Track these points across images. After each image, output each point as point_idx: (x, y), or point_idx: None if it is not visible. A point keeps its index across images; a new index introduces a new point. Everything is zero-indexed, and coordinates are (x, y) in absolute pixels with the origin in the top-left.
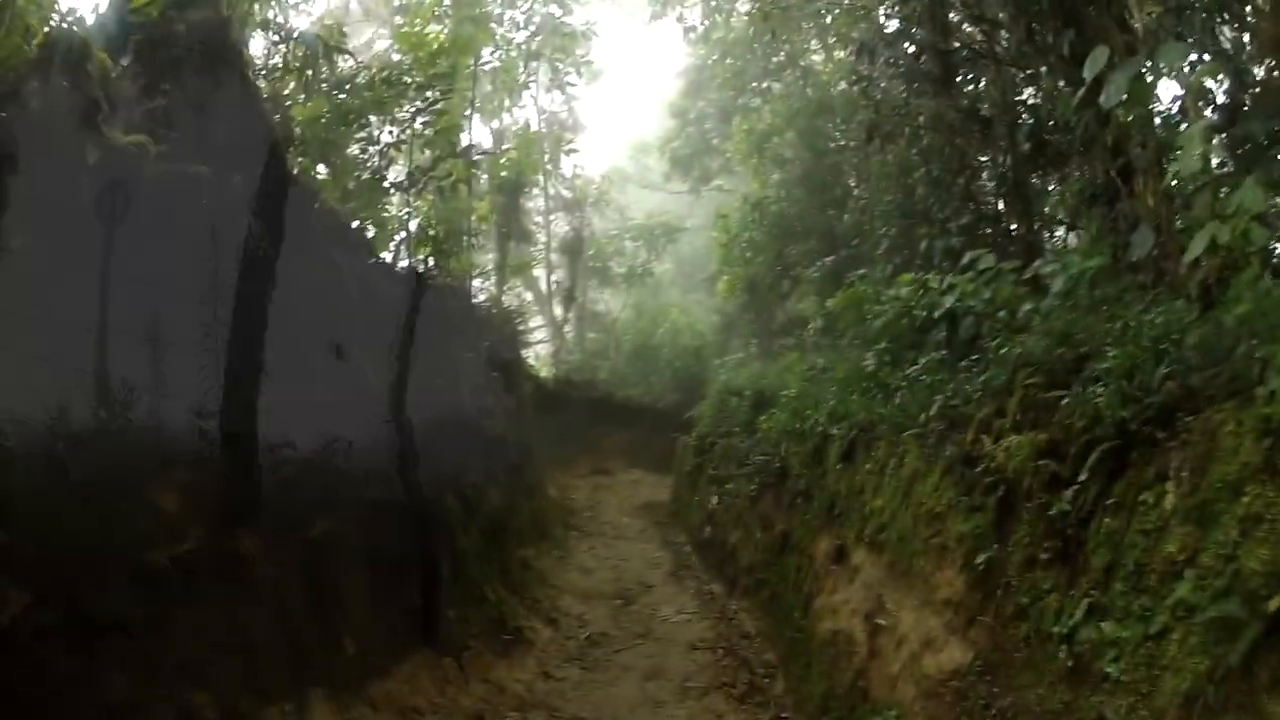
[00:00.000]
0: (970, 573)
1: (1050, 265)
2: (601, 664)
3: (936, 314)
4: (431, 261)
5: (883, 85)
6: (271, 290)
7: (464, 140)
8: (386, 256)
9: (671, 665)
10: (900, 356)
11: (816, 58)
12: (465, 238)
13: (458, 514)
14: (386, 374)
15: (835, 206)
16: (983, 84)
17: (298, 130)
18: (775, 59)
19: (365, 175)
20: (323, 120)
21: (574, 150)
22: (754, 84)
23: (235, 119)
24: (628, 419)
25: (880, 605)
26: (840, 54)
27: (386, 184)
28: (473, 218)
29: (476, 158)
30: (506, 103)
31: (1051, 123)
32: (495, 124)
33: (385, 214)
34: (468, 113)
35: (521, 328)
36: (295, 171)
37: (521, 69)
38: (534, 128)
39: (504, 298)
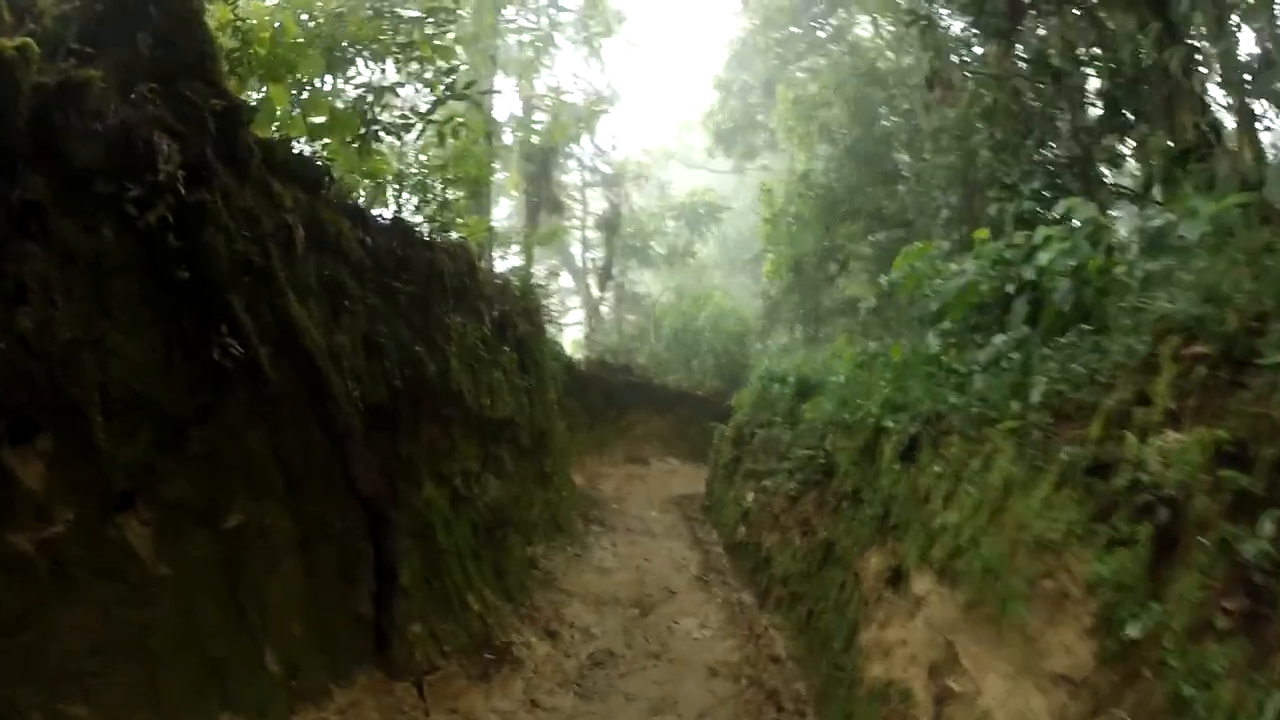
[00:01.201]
0: (1106, 639)
1: (1159, 217)
2: (602, 690)
3: (1016, 284)
4: (421, 216)
5: (943, 27)
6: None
7: (489, 103)
8: (386, 212)
9: (686, 694)
10: (967, 339)
11: (863, 31)
12: (479, 199)
13: (440, 506)
14: (339, 333)
15: (887, 181)
16: (1052, 26)
17: (251, 50)
18: (821, 32)
19: (343, 109)
20: (290, 43)
21: (604, 110)
22: (800, 57)
23: (163, 29)
24: (665, 405)
25: (952, 659)
26: (888, 25)
27: (369, 125)
28: (493, 178)
29: (504, 125)
30: (535, 60)
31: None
32: (523, 86)
33: (381, 161)
34: (493, 76)
35: (546, 302)
36: (233, 95)
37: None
38: (566, 93)
39: (531, 269)
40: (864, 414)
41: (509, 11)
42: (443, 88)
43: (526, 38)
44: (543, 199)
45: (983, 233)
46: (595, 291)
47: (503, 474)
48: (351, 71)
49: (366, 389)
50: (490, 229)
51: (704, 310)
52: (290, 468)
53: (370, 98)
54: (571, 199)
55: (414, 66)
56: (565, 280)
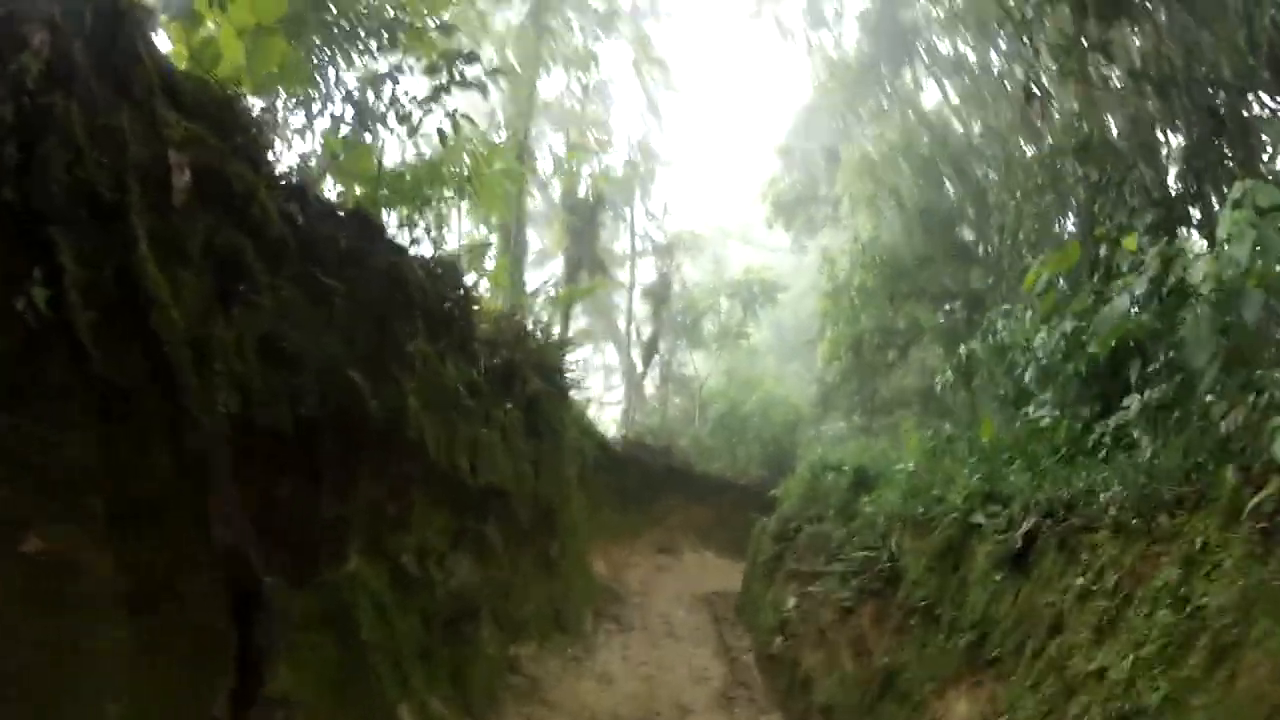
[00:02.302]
0: None
1: None
2: None
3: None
4: (393, 215)
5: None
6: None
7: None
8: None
9: None
10: (1077, 411)
11: (932, 96)
12: (514, 260)
13: (373, 587)
14: (220, 324)
15: (956, 257)
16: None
17: None
18: (885, 99)
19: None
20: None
21: (657, 169)
22: (866, 122)
23: None
24: (705, 493)
25: None
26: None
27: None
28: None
29: (547, 175)
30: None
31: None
32: (571, 133)
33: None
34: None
35: (572, 361)
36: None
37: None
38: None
39: (563, 329)
40: (944, 507)
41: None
42: (445, 75)
43: (574, 84)
44: (585, 258)
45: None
46: (639, 367)
47: (485, 555)
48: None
49: (256, 408)
50: (518, 280)
51: (754, 395)
52: (121, 492)
53: (366, 87)
54: (617, 268)
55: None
56: (610, 356)
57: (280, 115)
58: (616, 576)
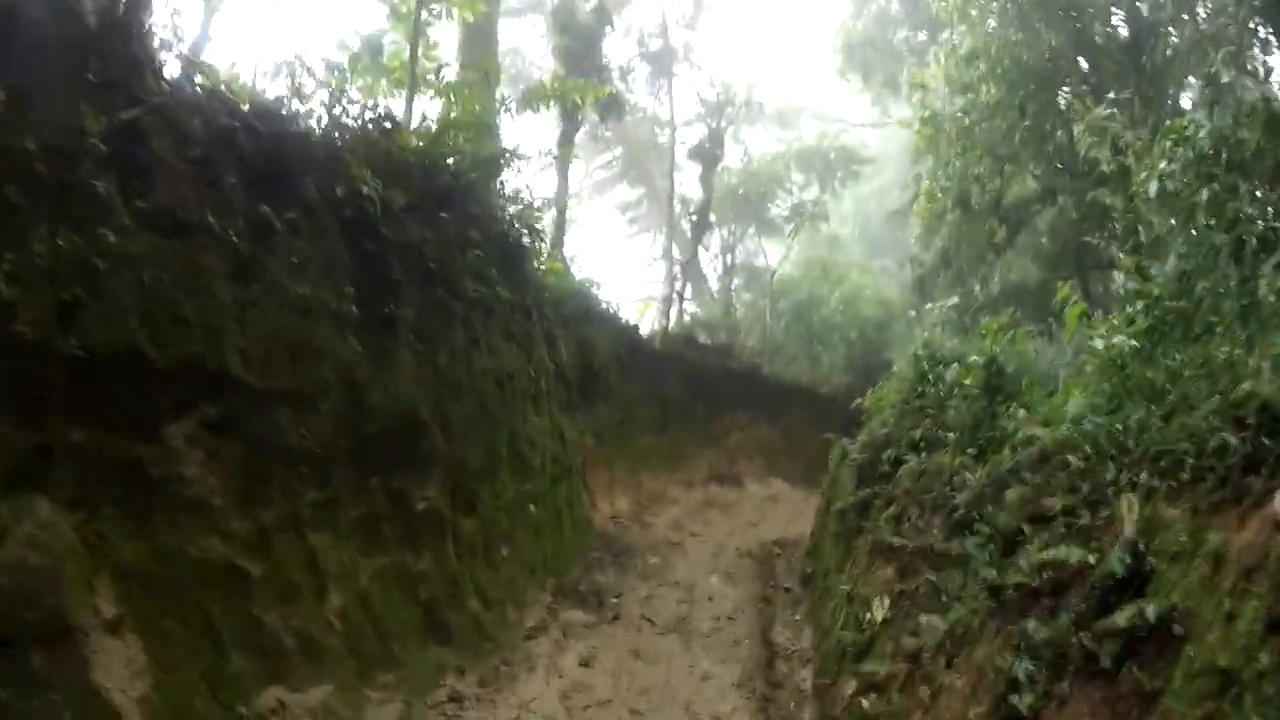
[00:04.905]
0: None
1: None
2: None
3: None
4: None
5: None
6: None
7: None
8: None
9: None
10: None
11: None
12: None
13: None
14: None
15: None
16: None
17: None
18: None
19: None
20: None
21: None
22: None
23: None
24: (777, 404)
25: None
26: None
27: None
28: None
29: None
30: None
31: None
32: None
33: None
34: None
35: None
36: None
37: None
38: None
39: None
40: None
41: None
42: None
43: None
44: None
45: None
46: (688, 247)
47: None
48: None
49: None
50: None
51: (836, 289)
52: None
53: None
54: (658, 130)
55: None
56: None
57: None
58: (639, 517)
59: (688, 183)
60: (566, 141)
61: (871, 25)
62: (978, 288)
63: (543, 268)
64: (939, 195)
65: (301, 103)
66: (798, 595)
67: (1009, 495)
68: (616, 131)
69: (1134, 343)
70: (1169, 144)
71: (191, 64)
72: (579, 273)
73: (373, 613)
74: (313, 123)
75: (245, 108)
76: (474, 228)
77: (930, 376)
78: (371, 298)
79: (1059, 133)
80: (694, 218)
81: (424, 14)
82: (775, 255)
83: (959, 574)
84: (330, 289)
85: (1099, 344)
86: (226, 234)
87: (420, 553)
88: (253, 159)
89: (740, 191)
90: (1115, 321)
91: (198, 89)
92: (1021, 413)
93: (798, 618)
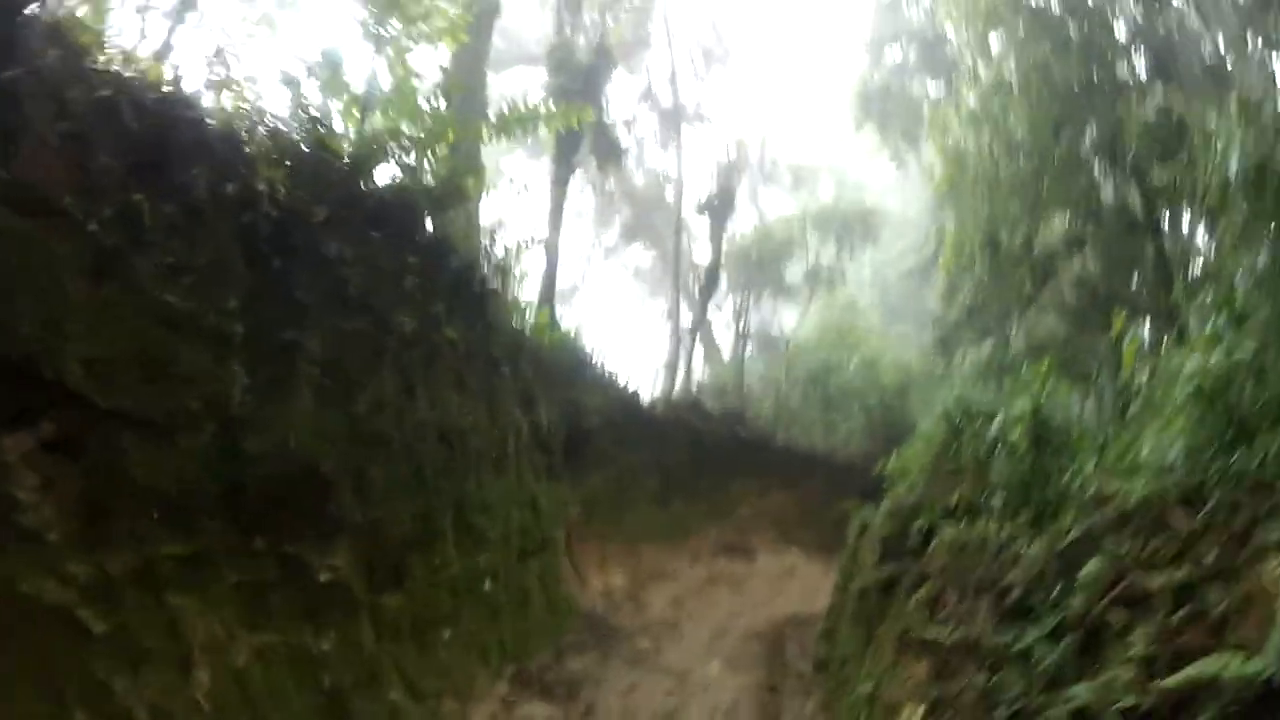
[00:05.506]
0: None
1: None
2: None
3: None
4: None
5: None
6: None
7: None
8: None
9: None
10: None
11: None
12: None
13: None
14: None
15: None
16: None
17: None
18: None
19: None
20: None
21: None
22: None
23: None
24: (789, 473)
25: None
26: None
27: None
28: None
29: None
30: None
31: None
32: None
33: None
34: None
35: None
36: None
37: None
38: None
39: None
40: None
41: None
42: None
43: None
44: (580, 136)
45: None
46: (696, 309)
47: None
48: None
49: None
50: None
51: (854, 356)
52: None
53: None
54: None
55: None
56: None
57: None
58: (635, 596)
59: (698, 244)
60: (560, 182)
61: (889, 76)
62: (1008, 340)
63: (527, 319)
64: (965, 244)
65: (217, 93)
66: (810, 681)
67: (1086, 570)
68: (624, 190)
69: (1239, 356)
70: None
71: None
72: (579, 333)
73: (252, 697)
74: (220, 113)
75: (136, 82)
76: (416, 254)
77: (966, 434)
78: (267, 319)
79: (1093, 167)
80: (702, 278)
81: (403, 41)
82: (790, 321)
83: (1018, 677)
84: (209, 301)
85: (1189, 367)
86: (88, 221)
87: (323, 631)
88: (135, 139)
89: (753, 255)
90: (1204, 337)
91: (88, 61)
92: (1090, 464)
93: (809, 710)
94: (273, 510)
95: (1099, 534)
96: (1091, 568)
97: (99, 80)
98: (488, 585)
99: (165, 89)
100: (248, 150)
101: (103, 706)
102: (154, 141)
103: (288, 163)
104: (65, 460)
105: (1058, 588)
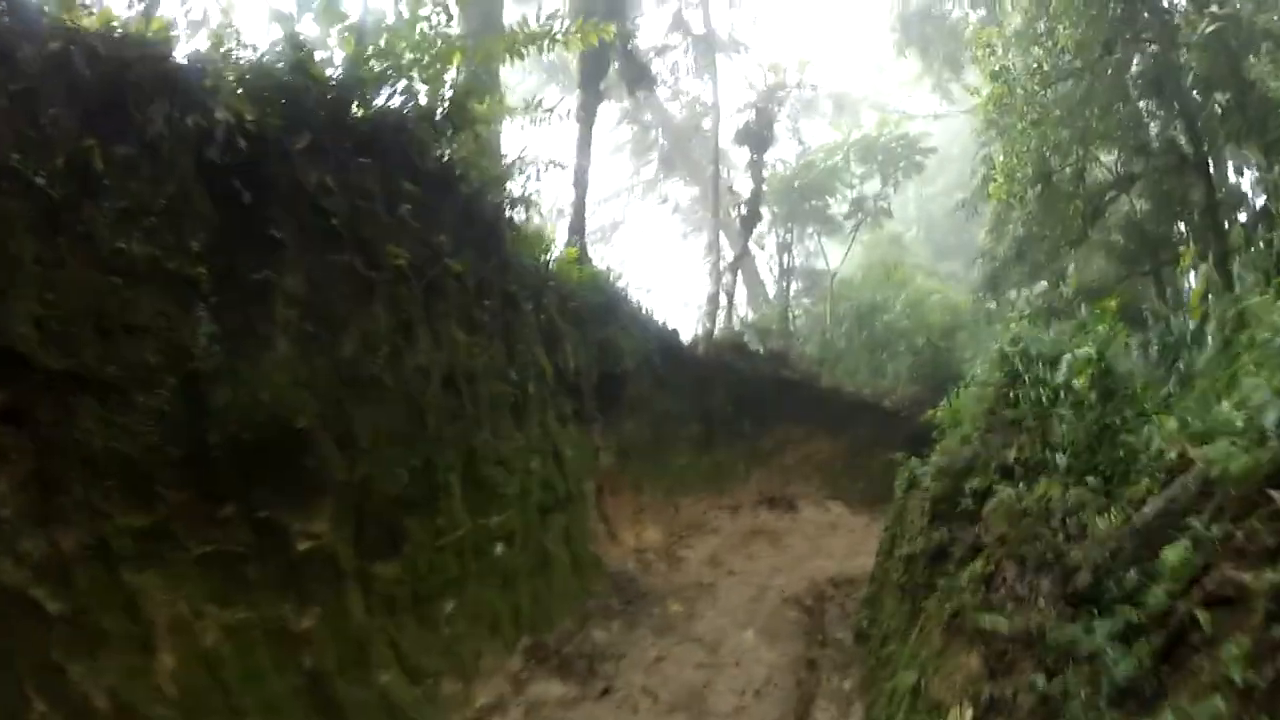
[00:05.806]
0: None
1: None
2: None
3: None
4: None
5: None
6: None
7: None
8: None
9: None
10: None
11: None
12: None
13: None
14: None
15: None
16: None
17: None
18: None
19: None
20: None
21: None
22: None
23: None
24: (837, 419)
25: None
26: None
27: None
28: None
29: None
30: None
31: None
32: None
33: None
34: None
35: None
36: None
37: None
38: None
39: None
40: None
41: None
42: None
43: None
44: (606, 58)
45: None
46: (736, 243)
47: None
48: None
49: None
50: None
51: (901, 293)
52: None
53: None
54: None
55: None
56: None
57: None
58: (670, 552)
59: (738, 176)
60: (587, 109)
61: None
62: (1061, 278)
63: (553, 254)
64: (1015, 172)
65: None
66: (850, 654)
67: (1168, 556)
68: (660, 119)
69: None
70: None
71: None
72: (612, 270)
73: (223, 681)
74: (190, 50)
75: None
76: (415, 182)
77: (1026, 379)
78: (237, 260)
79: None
80: (743, 210)
81: None
82: (835, 257)
83: (1083, 681)
84: (169, 245)
85: None
86: (35, 177)
87: (305, 606)
88: (87, 85)
89: (795, 187)
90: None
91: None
92: (1171, 422)
93: (847, 687)
94: (243, 472)
95: (1181, 510)
96: (1173, 554)
97: (50, 33)
98: (500, 549)
99: (118, 29)
100: (209, 80)
101: (62, 694)
102: (111, 84)
103: (265, 93)
104: (15, 430)
105: (1132, 572)
